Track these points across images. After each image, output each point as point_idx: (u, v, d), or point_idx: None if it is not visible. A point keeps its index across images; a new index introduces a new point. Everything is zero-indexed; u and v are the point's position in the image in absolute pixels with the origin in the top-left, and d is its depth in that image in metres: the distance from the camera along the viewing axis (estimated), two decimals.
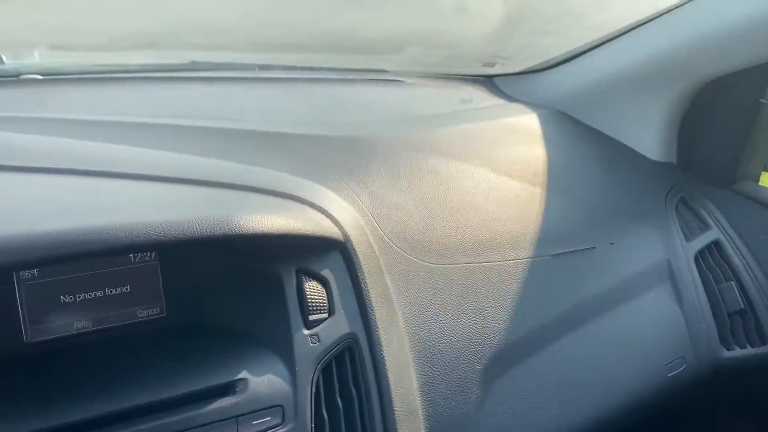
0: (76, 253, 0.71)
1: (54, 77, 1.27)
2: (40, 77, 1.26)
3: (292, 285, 0.80)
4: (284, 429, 0.73)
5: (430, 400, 0.86)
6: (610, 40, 1.33)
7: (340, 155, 1.08)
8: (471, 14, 1.58)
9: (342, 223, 0.87)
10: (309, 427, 0.75)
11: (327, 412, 0.78)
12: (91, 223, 0.72)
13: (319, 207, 0.87)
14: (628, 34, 1.28)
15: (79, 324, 0.77)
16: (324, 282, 0.82)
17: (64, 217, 0.74)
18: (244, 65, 1.49)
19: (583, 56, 1.41)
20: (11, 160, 0.88)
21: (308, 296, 0.80)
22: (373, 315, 0.83)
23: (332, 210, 0.88)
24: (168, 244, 0.75)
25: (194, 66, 1.40)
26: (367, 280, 0.85)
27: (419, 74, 1.54)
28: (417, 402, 0.85)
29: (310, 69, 1.52)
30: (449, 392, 0.88)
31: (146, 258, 0.79)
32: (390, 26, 1.52)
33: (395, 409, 0.81)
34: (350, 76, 1.53)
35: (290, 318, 0.78)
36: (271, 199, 0.87)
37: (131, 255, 0.78)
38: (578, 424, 0.98)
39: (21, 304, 0.73)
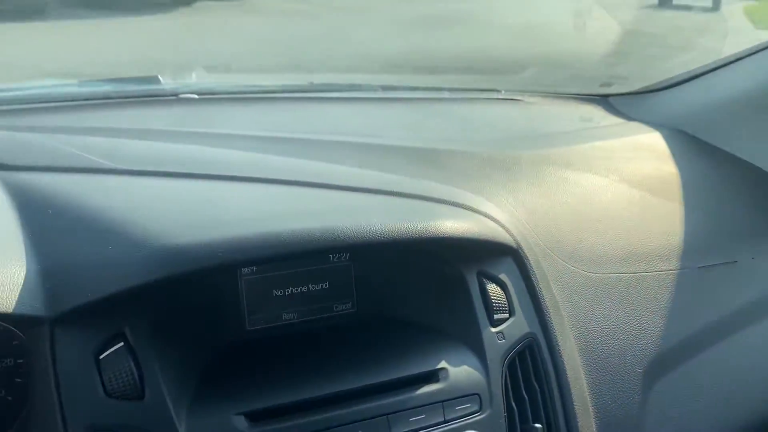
0: (289, 253, 0.80)
1: (209, 97, 1.39)
2: (196, 96, 1.37)
3: (475, 286, 0.86)
4: (482, 416, 0.79)
5: (599, 400, 0.91)
6: (738, 60, 1.37)
7: (488, 169, 1.15)
8: (589, 36, 1.64)
9: (512, 231, 0.93)
10: (503, 416, 0.81)
11: (515, 403, 0.84)
12: (301, 227, 0.81)
13: (491, 215, 0.94)
14: (760, 53, 1.31)
15: (287, 315, 0.85)
16: (502, 285, 0.89)
17: (277, 222, 0.83)
18: (370, 86, 1.58)
19: (705, 76, 1.44)
20: (208, 169, 0.98)
21: (491, 297, 0.86)
22: (549, 317, 0.89)
23: (501, 219, 0.95)
24: (361, 247, 0.84)
25: (328, 87, 1.50)
26: (540, 285, 0.91)
27: (536, 93, 1.60)
28: (588, 401, 0.90)
29: (430, 89, 1.61)
30: (615, 393, 0.93)
31: (342, 258, 0.87)
32: (509, 48, 1.59)
33: (574, 404, 0.86)
34: (468, 96, 1.61)
35: (477, 316, 0.84)
36: (445, 207, 0.94)
37: (330, 255, 0.86)
38: (733, 428, 1.01)
39: (242, 297, 0.82)
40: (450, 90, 1.60)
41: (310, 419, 0.72)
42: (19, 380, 0.67)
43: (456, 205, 0.94)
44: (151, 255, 0.71)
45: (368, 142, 1.21)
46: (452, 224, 0.86)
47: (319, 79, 1.48)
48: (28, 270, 0.70)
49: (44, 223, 0.76)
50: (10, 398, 0.67)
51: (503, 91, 1.61)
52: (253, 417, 0.71)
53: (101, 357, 0.69)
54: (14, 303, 0.67)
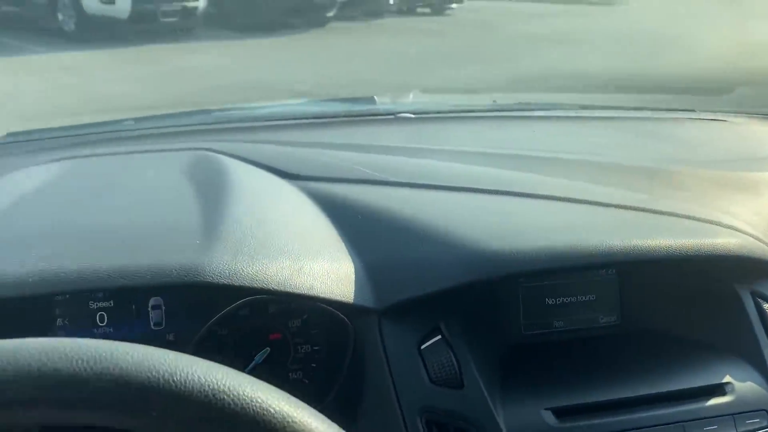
0: (566, 266, 0.84)
1: (424, 116, 1.47)
2: (413, 116, 1.46)
3: (750, 305, 0.87)
4: None
5: None
6: None
7: (717, 190, 1.14)
8: None
9: None
10: None
11: None
12: (577, 241, 0.85)
13: (755, 235, 0.94)
14: None
15: (557, 323, 0.90)
16: None
17: (557, 235, 0.87)
18: (568, 105, 1.61)
19: None
20: (469, 183, 1.04)
21: None
22: None
23: (764, 238, 0.94)
24: (631, 263, 0.87)
25: (535, 106, 1.55)
26: None
27: (742, 113, 1.57)
28: None
29: (632, 108, 1.62)
30: None
31: (609, 273, 0.90)
32: (716, 67, 1.56)
33: None
34: (670, 116, 1.60)
35: (756, 334, 0.85)
36: (708, 225, 0.95)
37: (599, 270, 0.90)
38: None
39: (520, 303, 0.87)
40: (651, 110, 1.60)
41: (612, 419, 0.76)
42: (344, 362, 0.76)
43: (718, 224, 0.95)
44: (468, 259, 0.78)
45: (585, 159, 1.24)
46: (726, 242, 0.87)
47: (525, 98, 1.53)
48: (355, 266, 0.79)
49: (357, 227, 0.85)
50: (332, 377, 0.76)
51: (702, 111, 1.59)
52: (560, 413, 0.76)
53: (422, 347, 0.76)
54: (348, 294, 0.76)
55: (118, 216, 0.82)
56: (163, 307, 0.73)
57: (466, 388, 0.75)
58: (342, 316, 0.76)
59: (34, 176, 0.90)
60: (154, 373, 0.40)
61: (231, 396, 0.40)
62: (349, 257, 0.80)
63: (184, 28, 7.78)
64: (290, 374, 0.81)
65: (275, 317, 0.77)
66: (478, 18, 9.78)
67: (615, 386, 0.81)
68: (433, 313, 0.78)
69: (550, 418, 0.76)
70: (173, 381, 0.40)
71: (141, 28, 7.38)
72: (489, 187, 1.03)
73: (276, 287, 0.72)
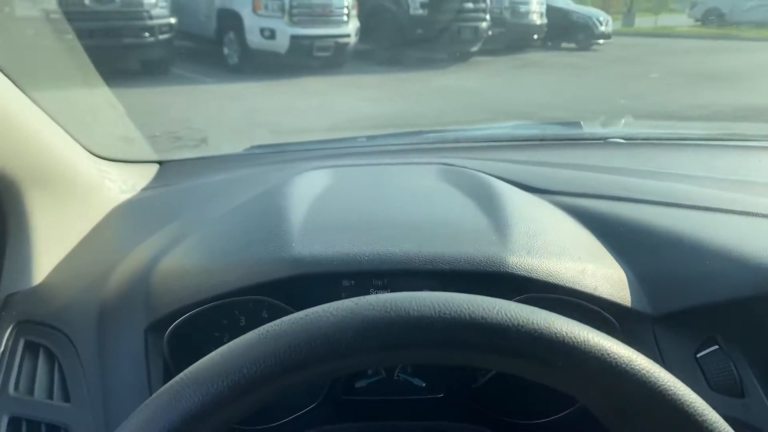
0: None
1: (636, 141, 1.47)
2: (623, 141, 1.47)
3: None
4: None
5: None
6: None
7: None
8: None
9: None
10: None
11: None
12: None
13: None
14: None
15: None
16: None
17: None
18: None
19: None
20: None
21: None
22: None
23: None
24: None
25: (741, 136, 1.50)
26: None
27: None
28: None
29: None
30: None
31: None
32: None
33: None
34: None
35: None
36: None
37: None
38: None
39: None
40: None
41: None
42: None
43: None
44: (753, 274, 0.78)
45: None
46: None
47: (730, 128, 1.49)
48: (627, 275, 0.81)
49: (620, 239, 0.87)
50: None
51: None
52: None
53: (699, 356, 0.77)
54: (625, 298, 0.78)
55: (405, 212, 0.90)
56: None
57: (747, 398, 0.74)
58: (613, 319, 0.78)
59: (314, 179, 1.00)
60: (562, 329, 0.45)
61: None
62: (620, 266, 0.83)
63: (335, 62, 8.22)
64: None
65: None
66: (628, 54, 9.53)
67: None
68: (709, 323, 0.78)
69: None
70: (575, 338, 0.45)
71: (297, 61, 7.89)
72: (734, 208, 1.01)
73: (565, 284, 0.76)
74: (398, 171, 1.11)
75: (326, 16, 8.09)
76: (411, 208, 0.92)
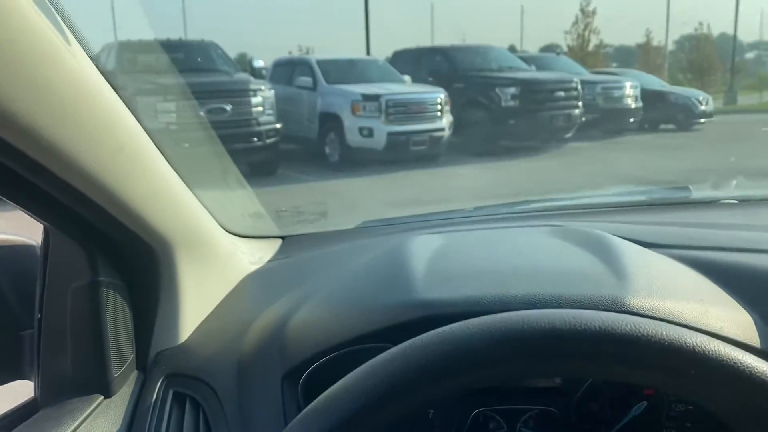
0: None
1: (750, 201, 1.44)
2: (736, 201, 1.44)
3: None
4: None
5: None
6: None
7: None
8: None
9: None
10: None
11: None
12: None
13: None
14: None
15: None
16: None
17: None
18: None
19: None
20: None
21: None
22: None
23: None
24: None
25: None
26: None
27: None
28: None
29: None
30: None
31: None
32: None
33: None
34: None
35: None
36: None
37: None
38: None
39: None
40: None
41: None
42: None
43: None
44: None
45: None
46: None
47: None
48: (754, 318, 0.80)
49: (740, 285, 0.86)
50: None
51: None
52: None
53: None
54: (753, 339, 0.77)
55: (523, 262, 0.93)
56: None
57: None
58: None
59: (430, 240, 1.05)
60: (692, 342, 0.46)
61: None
62: (745, 310, 0.81)
63: (431, 155, 8.47)
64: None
65: None
66: (735, 131, 9.23)
67: None
68: None
69: None
70: (702, 350, 0.46)
71: (394, 156, 8.20)
72: None
73: (689, 324, 0.75)
74: (511, 232, 1.14)
75: (421, 113, 8.44)
76: (528, 258, 0.95)
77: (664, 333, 0.46)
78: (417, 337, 0.49)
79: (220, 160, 1.39)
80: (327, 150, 8.66)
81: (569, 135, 9.42)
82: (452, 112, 8.79)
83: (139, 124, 0.73)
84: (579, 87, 9.34)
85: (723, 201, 1.45)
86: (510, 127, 9.15)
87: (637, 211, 1.41)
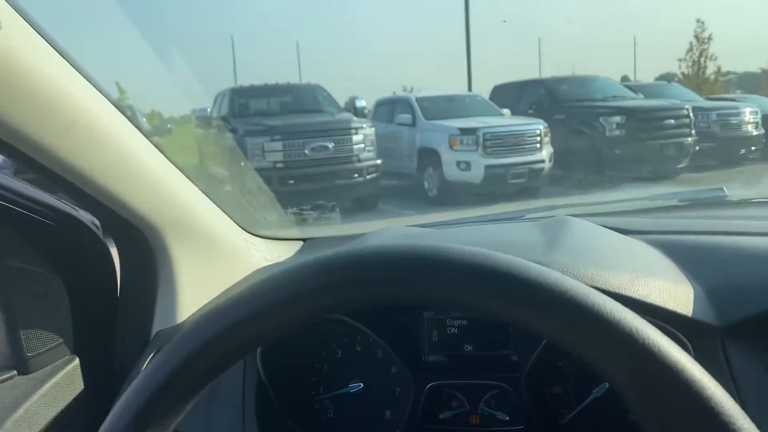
0: None
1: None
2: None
3: None
4: None
5: None
6: None
7: None
8: None
9: None
10: None
11: None
12: None
13: None
14: None
15: None
16: None
17: None
18: None
19: None
20: None
21: None
22: None
23: None
24: None
25: None
26: None
27: None
28: None
29: None
30: None
31: None
32: None
33: None
34: None
35: None
36: None
37: None
38: None
39: None
40: None
41: None
42: None
43: None
44: None
45: None
46: None
47: None
48: (695, 290, 0.78)
49: (693, 260, 0.84)
50: None
51: None
52: None
53: None
54: (686, 309, 0.75)
55: (494, 237, 1.00)
56: None
57: None
58: (681, 336, 0.74)
59: (431, 233, 1.12)
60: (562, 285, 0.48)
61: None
62: (689, 282, 0.80)
63: (531, 187, 8.33)
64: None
65: None
66: None
67: None
68: None
69: None
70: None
71: (492, 189, 8.14)
72: None
73: (611, 289, 0.75)
74: (514, 224, 1.19)
75: (519, 145, 8.35)
76: (496, 236, 1.05)
77: (528, 271, 0.48)
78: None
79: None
80: (426, 185, 8.76)
81: (682, 165, 8.91)
82: (553, 143, 8.62)
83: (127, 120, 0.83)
84: (691, 114, 8.87)
85: (756, 200, 1.38)
86: (616, 157, 8.81)
87: (657, 212, 1.38)
